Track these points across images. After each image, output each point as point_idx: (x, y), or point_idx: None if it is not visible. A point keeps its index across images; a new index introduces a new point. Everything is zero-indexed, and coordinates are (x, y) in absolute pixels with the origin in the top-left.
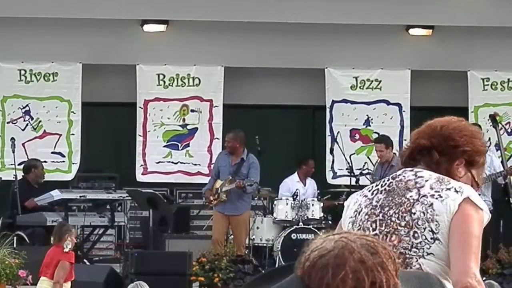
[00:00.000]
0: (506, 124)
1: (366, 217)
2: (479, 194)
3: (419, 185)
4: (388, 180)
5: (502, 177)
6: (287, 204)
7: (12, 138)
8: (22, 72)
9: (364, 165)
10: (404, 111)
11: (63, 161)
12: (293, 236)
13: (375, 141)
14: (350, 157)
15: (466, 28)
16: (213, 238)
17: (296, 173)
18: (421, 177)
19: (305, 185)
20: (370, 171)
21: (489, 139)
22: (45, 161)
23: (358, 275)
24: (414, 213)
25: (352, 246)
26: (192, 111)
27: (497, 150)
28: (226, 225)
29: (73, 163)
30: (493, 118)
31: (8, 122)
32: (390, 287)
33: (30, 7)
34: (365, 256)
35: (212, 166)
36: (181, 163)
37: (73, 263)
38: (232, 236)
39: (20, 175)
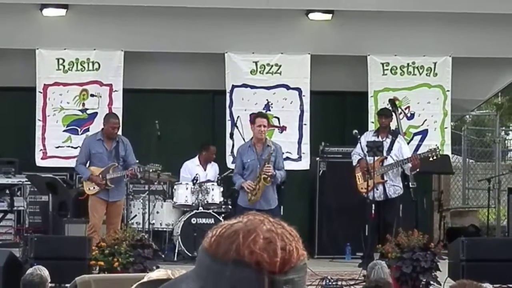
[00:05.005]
0: (405, 109)
1: None
2: (387, 180)
3: None
4: None
5: (409, 168)
6: (187, 188)
7: None
8: None
9: None
10: (304, 95)
11: None
12: (193, 220)
13: (262, 115)
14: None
15: (366, 13)
16: (93, 223)
17: (197, 157)
18: None
19: (205, 170)
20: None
21: (396, 126)
22: None
23: (270, 236)
24: None
25: (260, 218)
26: (92, 95)
27: None
28: (104, 210)
29: None
30: (392, 102)
31: None
32: (299, 255)
33: None
34: (273, 226)
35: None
36: (81, 147)
37: None
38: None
39: None
